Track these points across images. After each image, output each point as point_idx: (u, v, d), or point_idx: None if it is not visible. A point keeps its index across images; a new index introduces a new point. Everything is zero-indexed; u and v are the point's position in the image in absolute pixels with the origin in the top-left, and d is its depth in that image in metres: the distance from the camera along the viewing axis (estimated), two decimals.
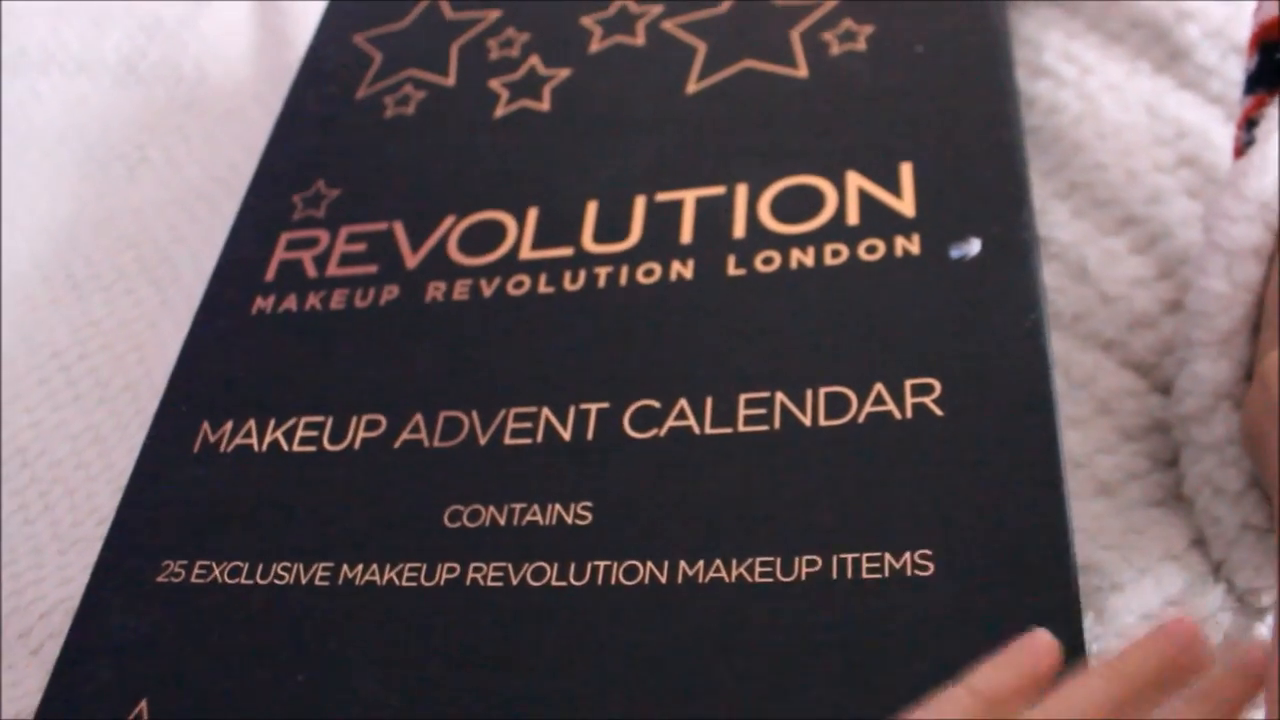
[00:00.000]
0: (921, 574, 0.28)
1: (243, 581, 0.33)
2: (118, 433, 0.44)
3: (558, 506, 0.32)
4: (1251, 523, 0.31)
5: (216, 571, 0.33)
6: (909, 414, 0.31)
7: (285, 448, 0.35)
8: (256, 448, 0.36)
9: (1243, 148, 0.34)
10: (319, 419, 0.36)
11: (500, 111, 0.44)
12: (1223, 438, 0.31)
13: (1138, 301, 0.37)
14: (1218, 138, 0.40)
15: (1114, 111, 0.42)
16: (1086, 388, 0.36)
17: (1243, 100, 0.35)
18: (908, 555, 0.28)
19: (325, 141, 0.45)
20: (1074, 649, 0.26)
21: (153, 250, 0.51)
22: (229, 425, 0.37)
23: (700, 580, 0.29)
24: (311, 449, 0.35)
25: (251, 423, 0.36)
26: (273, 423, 0.36)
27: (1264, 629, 0.30)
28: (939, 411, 0.31)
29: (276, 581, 0.32)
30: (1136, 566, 0.32)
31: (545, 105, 0.43)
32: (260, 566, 0.33)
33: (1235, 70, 0.41)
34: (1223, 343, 0.32)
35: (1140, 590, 0.31)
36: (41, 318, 0.50)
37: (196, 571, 0.33)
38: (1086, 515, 0.33)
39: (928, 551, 0.28)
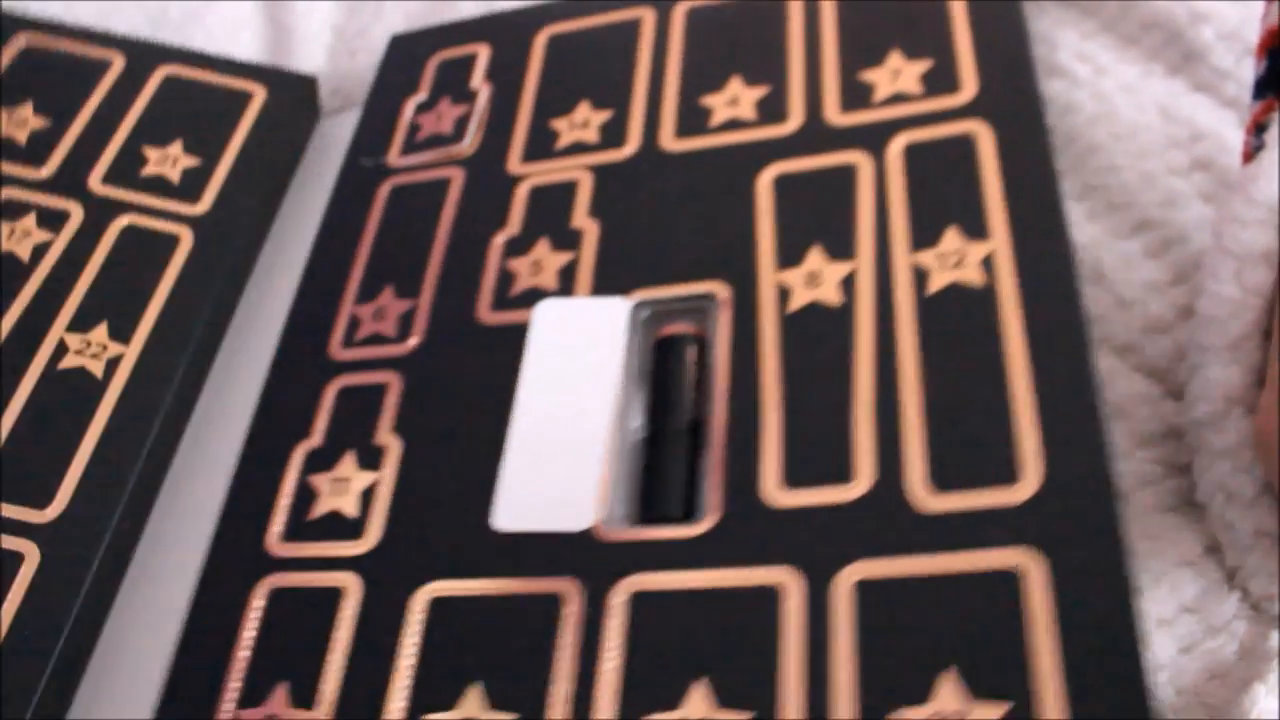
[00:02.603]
0: None
1: None
2: None
3: None
4: (1265, 529, 0.31)
5: None
6: None
7: None
8: None
9: (1252, 152, 0.34)
10: None
11: None
12: (1235, 443, 0.31)
13: (1152, 306, 0.37)
14: (1231, 141, 0.39)
15: (1129, 113, 0.41)
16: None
17: (1252, 105, 0.35)
18: None
19: None
20: None
21: None
22: None
23: None
24: None
25: None
26: None
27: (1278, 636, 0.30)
28: None
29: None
30: (1152, 572, 0.32)
31: None
32: None
33: (1249, 73, 0.41)
34: (1233, 348, 0.32)
35: (1156, 596, 0.31)
36: None
37: None
38: None
39: None
